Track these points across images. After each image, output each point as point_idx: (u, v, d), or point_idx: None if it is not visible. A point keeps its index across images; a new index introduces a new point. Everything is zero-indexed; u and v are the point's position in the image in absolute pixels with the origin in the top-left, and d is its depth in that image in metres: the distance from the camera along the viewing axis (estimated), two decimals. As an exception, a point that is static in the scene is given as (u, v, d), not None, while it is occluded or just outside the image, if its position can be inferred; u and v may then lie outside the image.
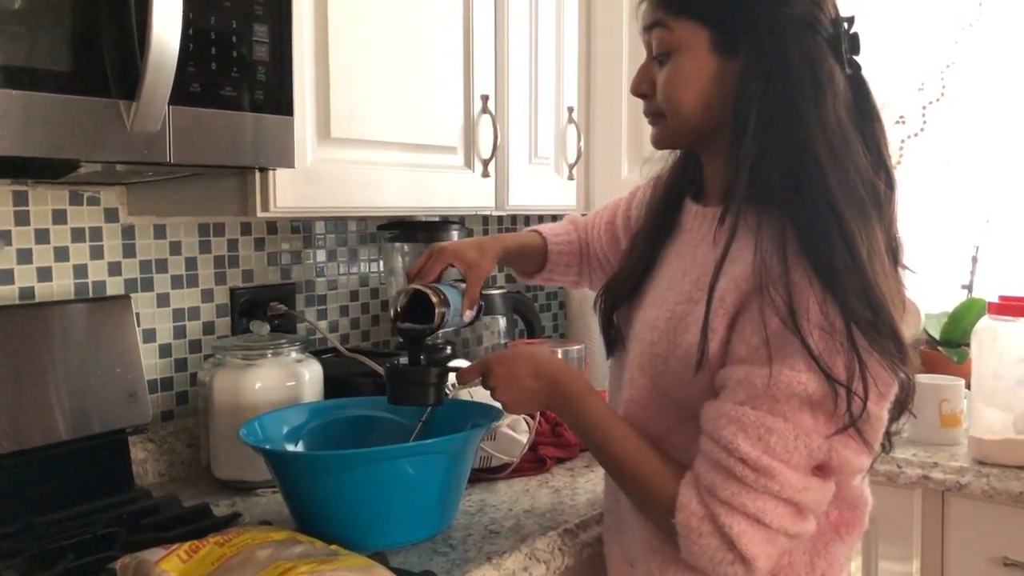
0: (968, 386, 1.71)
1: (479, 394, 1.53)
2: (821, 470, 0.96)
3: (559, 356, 1.85)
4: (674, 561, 1.04)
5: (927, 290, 2.17)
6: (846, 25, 1.02)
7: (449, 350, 1.72)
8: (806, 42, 0.98)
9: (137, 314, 1.48)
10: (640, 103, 1.13)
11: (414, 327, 1.20)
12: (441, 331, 1.21)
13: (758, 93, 0.97)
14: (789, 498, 0.93)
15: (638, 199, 1.31)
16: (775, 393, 0.93)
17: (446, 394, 1.21)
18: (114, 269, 1.47)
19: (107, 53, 1.01)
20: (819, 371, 0.91)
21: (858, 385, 0.91)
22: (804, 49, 0.97)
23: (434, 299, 1.18)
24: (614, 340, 1.20)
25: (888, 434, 1.05)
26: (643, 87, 1.08)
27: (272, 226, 1.71)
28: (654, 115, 1.09)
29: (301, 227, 1.77)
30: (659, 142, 1.11)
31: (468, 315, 1.25)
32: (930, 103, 2.20)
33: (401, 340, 1.22)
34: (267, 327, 1.58)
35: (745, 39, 0.99)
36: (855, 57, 1.03)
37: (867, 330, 0.91)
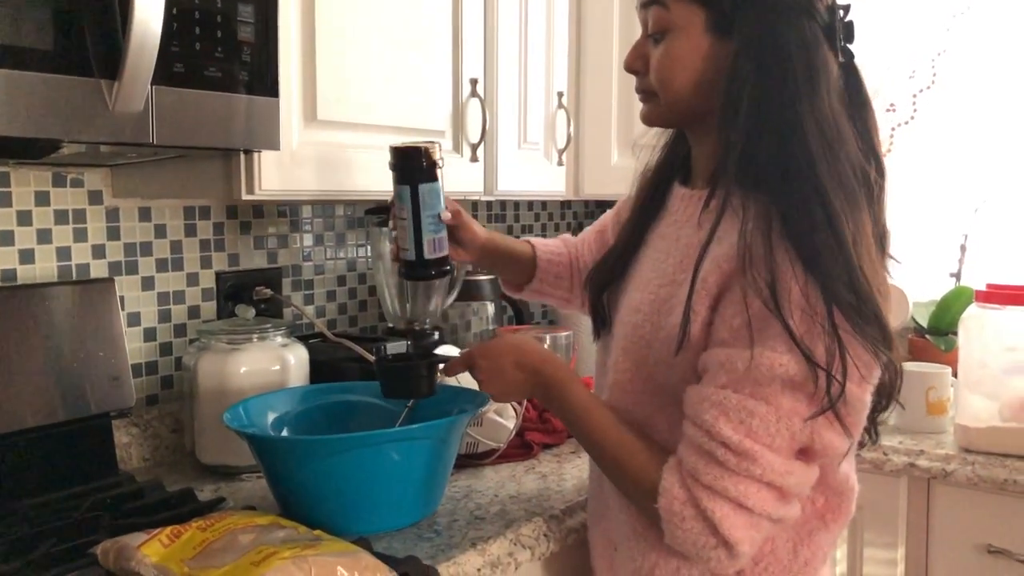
0: (955, 374, 1.71)
1: (466, 380, 1.52)
2: (804, 454, 0.96)
3: (547, 342, 1.84)
4: (657, 546, 1.04)
5: (916, 278, 2.17)
6: (841, 13, 1.02)
7: (437, 336, 1.71)
8: (801, 27, 0.97)
9: (121, 297, 1.46)
10: (630, 87, 1.12)
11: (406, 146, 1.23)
12: (423, 186, 1.23)
13: (751, 76, 0.97)
14: (771, 482, 0.93)
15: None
16: (757, 376, 0.92)
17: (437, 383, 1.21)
18: (98, 252, 1.46)
19: (89, 32, 1.00)
20: (800, 353, 0.90)
21: (838, 368, 0.91)
22: (799, 34, 0.97)
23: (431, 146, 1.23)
24: (602, 322, 1.20)
25: (875, 424, 1.05)
26: (636, 64, 1.08)
27: (258, 210, 1.70)
28: (646, 93, 1.09)
29: (288, 211, 1.76)
30: (648, 119, 1.11)
31: (446, 215, 1.25)
32: (921, 91, 2.19)
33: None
34: (253, 311, 1.57)
35: (740, 21, 0.99)
36: (849, 45, 1.03)
37: (849, 313, 0.91)
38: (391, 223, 1.30)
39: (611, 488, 1.11)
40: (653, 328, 1.04)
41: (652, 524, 1.02)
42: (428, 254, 1.25)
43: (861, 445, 1.06)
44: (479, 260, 1.37)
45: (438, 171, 1.24)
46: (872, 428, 1.06)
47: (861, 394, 0.95)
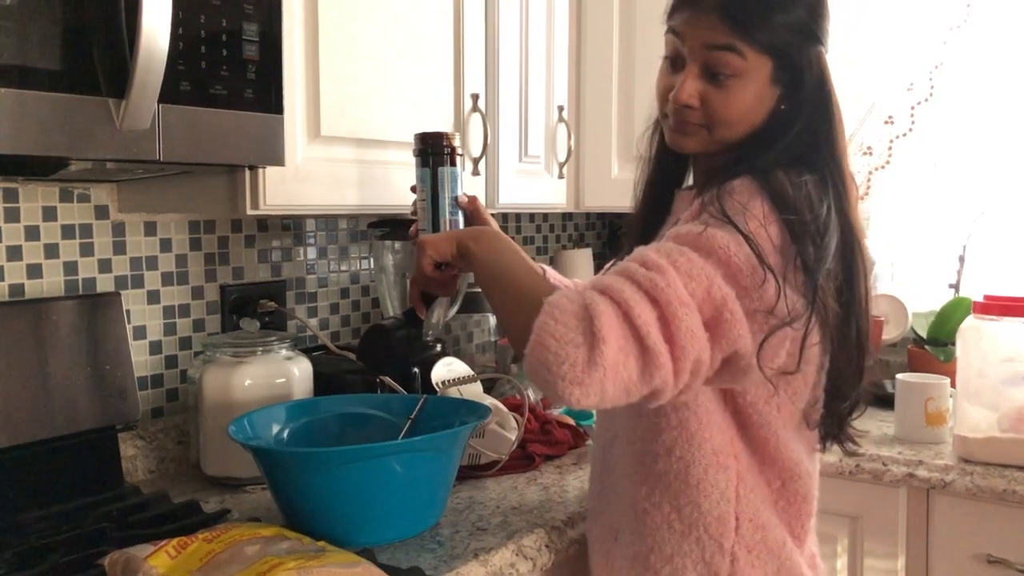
0: (954, 385, 1.72)
1: (468, 392, 1.54)
2: (708, 326, 0.93)
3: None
4: (656, 530, 1.09)
5: (914, 289, 2.19)
6: None
7: (439, 347, 1.72)
8: (830, 73, 1.08)
9: (127, 311, 1.48)
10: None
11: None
12: (441, 170, 1.32)
13: (801, 119, 1.06)
14: (667, 305, 0.90)
15: None
16: (702, 242, 0.95)
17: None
18: (104, 266, 1.47)
19: (97, 51, 1.01)
20: (749, 249, 0.94)
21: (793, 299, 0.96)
22: (827, 67, 1.08)
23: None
24: None
25: (840, 424, 1.10)
26: (695, 100, 1.07)
27: (262, 223, 1.72)
28: (693, 125, 1.10)
29: (291, 225, 1.77)
30: (687, 148, 1.13)
31: (463, 198, 1.34)
32: (919, 103, 2.21)
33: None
34: (257, 324, 1.58)
35: (800, 72, 1.06)
36: None
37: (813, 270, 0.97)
38: (412, 207, 1.36)
39: (620, 471, 1.14)
40: None
41: (655, 506, 1.07)
42: None
43: (823, 440, 1.12)
44: None
45: (457, 157, 1.33)
46: (838, 431, 1.10)
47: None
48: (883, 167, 2.22)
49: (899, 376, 1.79)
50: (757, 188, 0.99)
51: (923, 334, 2.10)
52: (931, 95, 2.20)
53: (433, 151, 1.32)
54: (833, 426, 1.10)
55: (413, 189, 1.36)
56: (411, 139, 1.53)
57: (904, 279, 2.27)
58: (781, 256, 0.97)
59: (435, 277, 1.16)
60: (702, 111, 1.08)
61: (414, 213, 1.36)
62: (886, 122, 2.23)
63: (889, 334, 2.09)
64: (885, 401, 1.92)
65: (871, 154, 2.24)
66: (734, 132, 1.08)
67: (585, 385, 0.88)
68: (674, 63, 1.10)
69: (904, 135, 2.23)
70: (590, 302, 0.90)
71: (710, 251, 0.94)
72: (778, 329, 0.96)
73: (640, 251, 0.97)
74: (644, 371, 0.90)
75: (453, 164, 1.32)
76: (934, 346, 2.05)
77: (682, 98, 1.07)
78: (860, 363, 1.05)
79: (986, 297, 1.65)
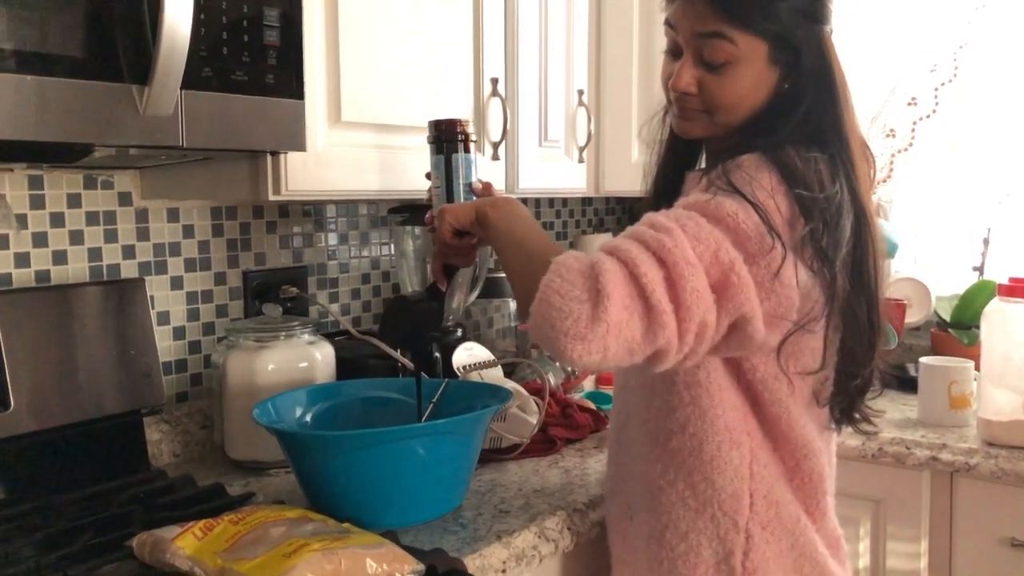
0: (978, 368, 1.71)
1: (489, 376, 1.55)
2: (715, 289, 0.94)
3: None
4: (670, 508, 1.10)
5: (938, 272, 2.17)
6: None
7: (460, 332, 1.73)
8: (834, 51, 1.08)
9: (151, 297, 1.49)
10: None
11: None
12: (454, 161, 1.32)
13: (806, 99, 1.06)
14: (674, 265, 0.90)
15: None
16: (707, 209, 0.96)
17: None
18: (128, 252, 1.49)
19: (119, 38, 1.02)
20: (755, 214, 0.95)
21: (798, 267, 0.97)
22: (832, 46, 1.08)
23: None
24: None
25: (865, 411, 1.10)
26: (692, 87, 1.09)
27: (284, 209, 1.72)
28: (694, 111, 1.11)
29: (313, 210, 1.78)
30: (691, 133, 1.14)
31: (477, 184, 1.33)
32: (942, 84, 2.18)
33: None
34: (280, 309, 1.59)
35: (797, 52, 1.05)
36: None
37: (820, 244, 0.98)
38: (427, 194, 1.36)
39: (636, 451, 1.15)
40: None
41: (670, 483, 1.09)
42: None
43: (838, 422, 1.12)
44: None
45: (471, 144, 1.33)
46: (849, 409, 1.10)
47: (790, 292, 0.97)
48: (906, 149, 2.20)
49: (922, 360, 1.78)
50: (765, 161, 1.00)
51: (947, 317, 2.08)
52: (955, 76, 2.17)
53: (446, 138, 1.32)
54: (844, 403, 1.09)
55: (428, 176, 1.36)
56: (432, 124, 1.54)
57: (927, 262, 2.26)
58: (791, 229, 0.97)
59: (455, 245, 1.16)
60: (700, 97, 1.09)
61: (429, 200, 1.36)
62: (909, 104, 2.21)
63: (912, 317, 2.08)
64: (908, 384, 1.91)
65: (894, 136, 2.21)
66: (735, 115, 1.09)
67: (588, 341, 0.88)
68: (673, 53, 1.12)
69: (927, 117, 2.20)
70: (596, 260, 0.91)
71: (718, 218, 0.95)
72: (795, 331, 0.98)
73: (649, 215, 0.98)
74: (648, 330, 0.90)
75: (467, 151, 1.32)
76: (958, 329, 2.03)
77: (679, 86, 1.09)
78: (871, 341, 1.05)
79: (1011, 280, 1.63)
